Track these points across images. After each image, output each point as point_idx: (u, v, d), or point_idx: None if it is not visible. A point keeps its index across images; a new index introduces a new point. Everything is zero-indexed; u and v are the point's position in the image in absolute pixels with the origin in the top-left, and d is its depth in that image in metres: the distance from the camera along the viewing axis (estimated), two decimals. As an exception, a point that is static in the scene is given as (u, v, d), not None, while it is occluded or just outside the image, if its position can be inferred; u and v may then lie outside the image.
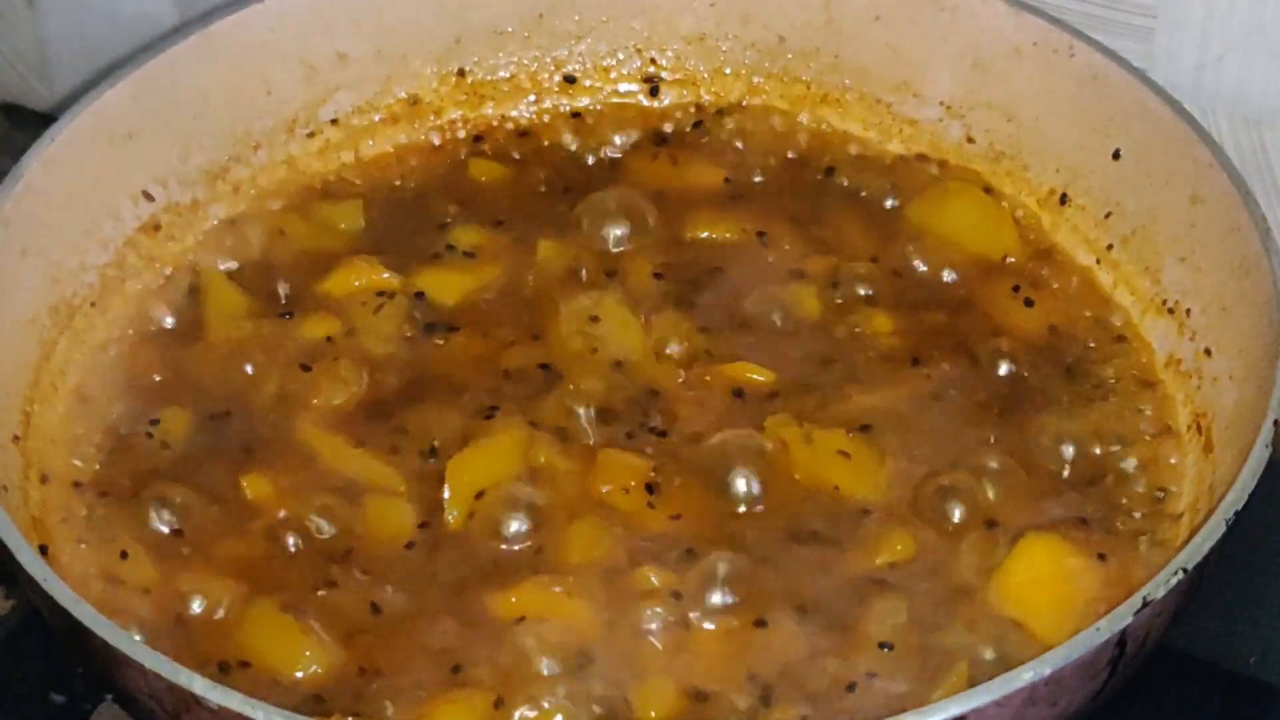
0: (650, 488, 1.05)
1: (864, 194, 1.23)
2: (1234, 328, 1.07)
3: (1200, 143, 1.10)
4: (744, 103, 1.28)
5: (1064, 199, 1.20)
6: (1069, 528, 1.03)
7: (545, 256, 1.18)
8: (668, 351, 1.12)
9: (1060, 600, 1.00)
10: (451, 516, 1.04)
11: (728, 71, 1.28)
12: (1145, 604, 0.89)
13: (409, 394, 1.11)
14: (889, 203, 1.22)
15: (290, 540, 1.04)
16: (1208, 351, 1.09)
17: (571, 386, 1.10)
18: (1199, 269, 1.11)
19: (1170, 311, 1.13)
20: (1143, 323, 1.14)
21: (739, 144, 1.26)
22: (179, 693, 0.87)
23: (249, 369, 1.12)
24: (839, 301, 1.16)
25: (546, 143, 1.27)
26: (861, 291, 1.16)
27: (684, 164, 1.25)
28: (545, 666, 0.97)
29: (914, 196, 1.22)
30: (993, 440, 1.08)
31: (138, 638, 0.90)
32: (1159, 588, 0.89)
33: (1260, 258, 1.04)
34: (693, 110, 1.28)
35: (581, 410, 1.09)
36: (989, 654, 0.97)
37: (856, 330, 1.14)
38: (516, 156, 1.26)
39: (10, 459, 1.04)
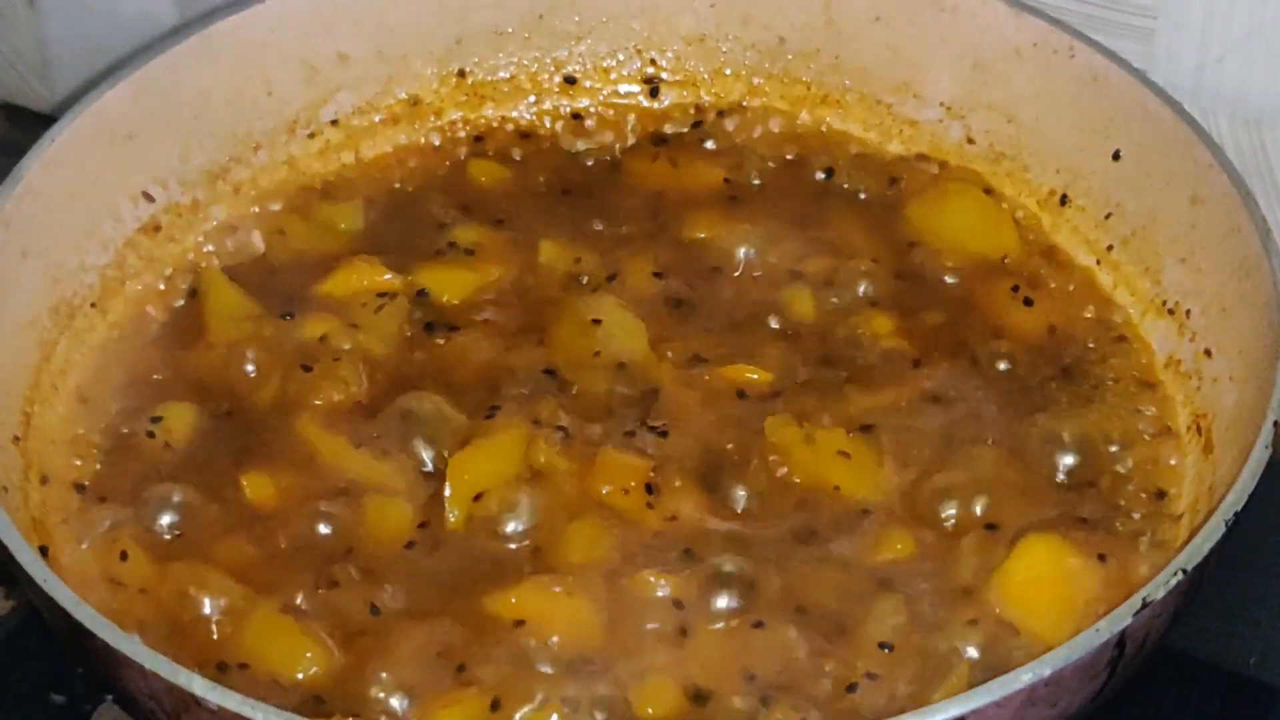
0: (650, 488, 1.05)
1: (864, 195, 1.23)
2: (1234, 329, 1.07)
3: (1200, 144, 1.10)
4: (744, 104, 1.28)
5: (1064, 200, 1.20)
6: (1069, 528, 1.03)
7: (547, 257, 1.18)
8: (668, 352, 1.12)
9: (1060, 601, 1.00)
10: (452, 516, 1.04)
11: (728, 72, 1.28)
12: (1145, 605, 0.89)
13: (410, 394, 1.11)
14: (889, 203, 1.22)
15: (290, 540, 1.04)
16: (1208, 352, 1.09)
17: (574, 387, 1.10)
18: (1199, 270, 1.11)
19: (1170, 312, 1.13)
20: (1143, 323, 1.14)
21: (739, 145, 1.26)
22: (178, 693, 0.87)
23: (249, 369, 1.12)
24: (839, 302, 1.16)
25: (547, 144, 1.27)
26: (861, 292, 1.16)
27: (684, 165, 1.25)
28: (545, 666, 0.97)
29: (914, 197, 1.22)
30: (992, 441, 1.08)
31: (137, 638, 0.90)
32: (1159, 588, 0.89)
33: (1260, 259, 1.04)
34: (693, 111, 1.28)
35: (584, 409, 1.09)
36: (989, 654, 0.97)
37: (856, 331, 1.14)
38: (516, 157, 1.26)
39: (10, 460, 1.04)
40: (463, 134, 1.27)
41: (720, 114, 1.27)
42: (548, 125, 1.28)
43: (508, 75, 1.28)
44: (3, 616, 1.15)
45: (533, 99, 1.28)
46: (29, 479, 1.05)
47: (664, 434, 1.08)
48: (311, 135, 1.25)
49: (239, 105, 1.21)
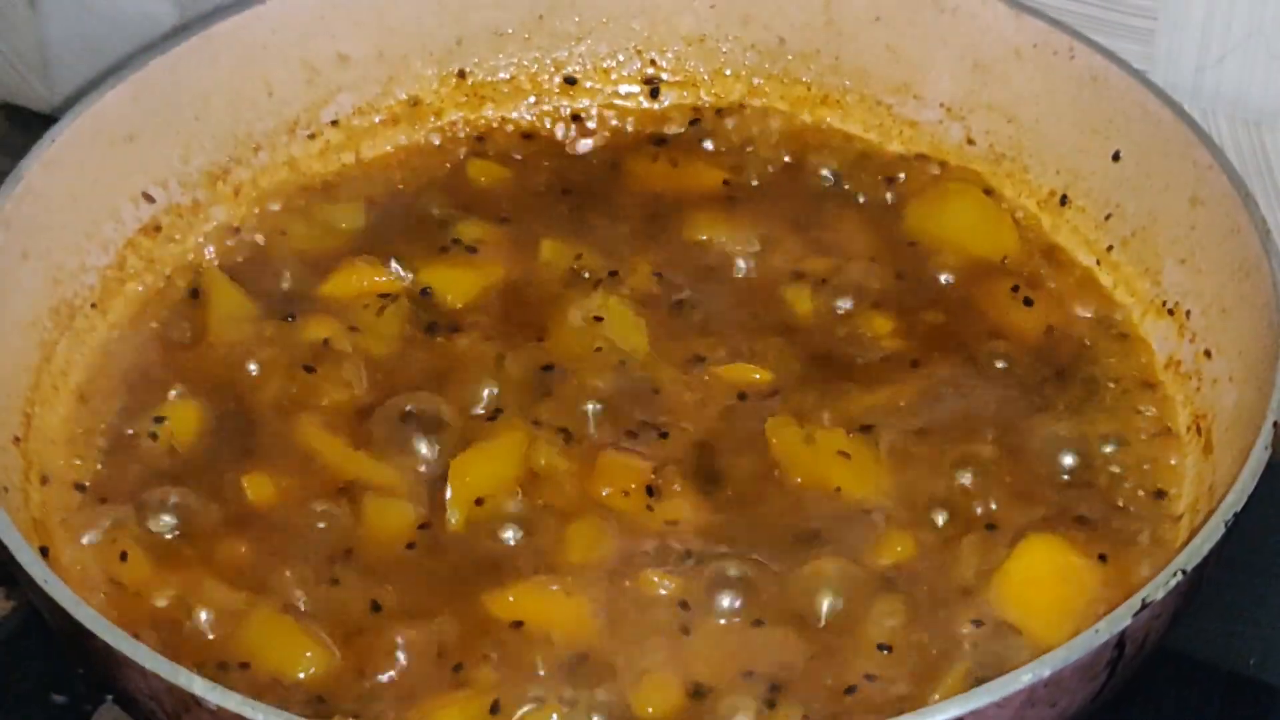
0: (650, 489, 1.05)
1: (864, 195, 1.23)
2: (1234, 329, 1.07)
3: (1200, 144, 1.10)
4: (744, 104, 1.28)
5: (1064, 200, 1.20)
6: (1069, 529, 1.03)
7: (548, 257, 1.18)
8: (669, 351, 1.12)
9: (1060, 601, 1.00)
10: (453, 518, 1.04)
11: (728, 73, 1.28)
12: (1144, 605, 0.89)
13: (411, 395, 1.11)
14: (889, 204, 1.22)
15: (291, 541, 1.04)
16: (1207, 353, 1.09)
17: (574, 388, 1.10)
18: (1199, 270, 1.11)
19: (1170, 313, 1.13)
20: (1143, 324, 1.14)
21: (739, 145, 1.26)
22: (179, 693, 0.87)
23: (250, 370, 1.12)
24: (839, 302, 1.16)
25: (547, 144, 1.27)
26: (861, 292, 1.16)
27: (684, 165, 1.25)
28: (544, 667, 0.97)
29: (914, 198, 1.22)
30: (992, 441, 1.08)
31: (138, 639, 0.90)
32: (1158, 589, 0.89)
33: (1260, 259, 1.04)
34: (692, 111, 1.28)
35: (584, 410, 1.09)
36: (988, 655, 0.97)
37: (857, 331, 1.14)
38: (516, 158, 1.26)
39: (11, 460, 1.04)
40: (463, 134, 1.27)
41: (720, 114, 1.27)
42: (548, 126, 1.28)
43: (508, 76, 1.28)
44: (3, 617, 1.15)
45: (533, 99, 1.28)
46: (29, 479, 1.05)
47: (665, 435, 1.08)
48: (312, 136, 1.25)
49: (239, 106, 1.21)
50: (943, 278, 1.17)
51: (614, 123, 1.28)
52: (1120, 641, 0.89)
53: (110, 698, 1.08)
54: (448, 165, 1.26)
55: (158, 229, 1.18)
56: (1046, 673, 0.87)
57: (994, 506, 1.05)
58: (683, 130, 1.27)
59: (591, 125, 1.28)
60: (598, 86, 1.29)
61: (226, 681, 0.94)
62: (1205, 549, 0.91)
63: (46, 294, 1.12)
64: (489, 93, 1.28)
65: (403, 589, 1.01)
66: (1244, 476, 0.94)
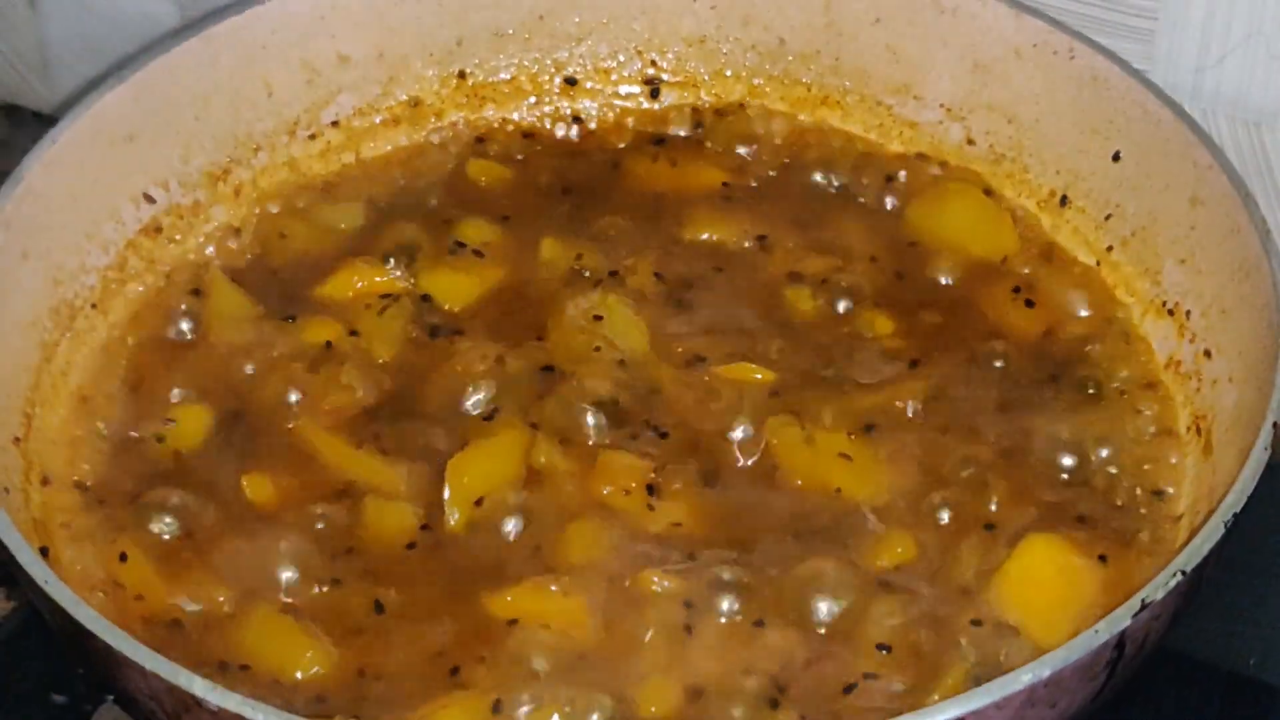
0: (651, 489, 1.05)
1: (864, 196, 1.23)
2: (1234, 330, 1.07)
3: (1200, 145, 1.10)
4: (744, 105, 1.28)
5: (1064, 201, 1.20)
6: (1069, 529, 1.03)
7: (548, 256, 1.18)
8: (669, 351, 1.13)
9: (1060, 602, 1.00)
10: (452, 518, 1.04)
11: (728, 74, 1.28)
12: (1144, 606, 0.89)
13: (411, 395, 1.11)
14: (889, 204, 1.22)
15: (291, 541, 1.04)
16: (1207, 353, 1.09)
17: (574, 387, 1.10)
18: (1199, 271, 1.11)
19: (1170, 313, 1.13)
20: (1143, 324, 1.15)
21: (739, 146, 1.26)
22: (179, 694, 0.87)
23: (251, 371, 1.12)
24: (839, 303, 1.16)
25: (547, 144, 1.27)
26: (862, 293, 1.16)
27: (684, 165, 1.25)
28: (545, 667, 0.97)
29: (914, 198, 1.22)
30: (993, 441, 1.08)
31: (138, 639, 0.90)
32: (1158, 590, 0.89)
33: (1260, 260, 1.04)
34: (693, 112, 1.28)
35: (584, 409, 1.09)
36: (988, 655, 0.97)
37: (857, 331, 1.14)
38: (517, 158, 1.26)
39: (11, 461, 1.04)
40: (463, 135, 1.27)
41: (720, 115, 1.27)
42: (548, 126, 1.28)
43: (508, 76, 1.28)
44: (3, 617, 1.15)
45: (533, 100, 1.28)
46: (30, 480, 1.05)
47: (665, 435, 1.08)
48: (312, 136, 1.25)
49: (240, 106, 1.21)
50: (943, 278, 1.17)
51: (614, 123, 1.28)
52: (1120, 642, 0.89)
53: (110, 698, 1.08)
54: (448, 166, 1.26)
55: (158, 229, 1.18)
56: (1046, 673, 0.87)
57: (994, 507, 1.05)
58: (683, 131, 1.27)
59: (592, 126, 1.28)
60: (598, 87, 1.29)
61: (227, 682, 0.94)
62: (1205, 549, 0.91)
63: (47, 294, 1.12)
64: (489, 93, 1.28)
65: (403, 589, 1.01)
66: (1244, 477, 0.94)
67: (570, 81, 1.28)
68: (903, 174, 1.23)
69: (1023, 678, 0.86)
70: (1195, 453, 1.07)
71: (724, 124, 1.27)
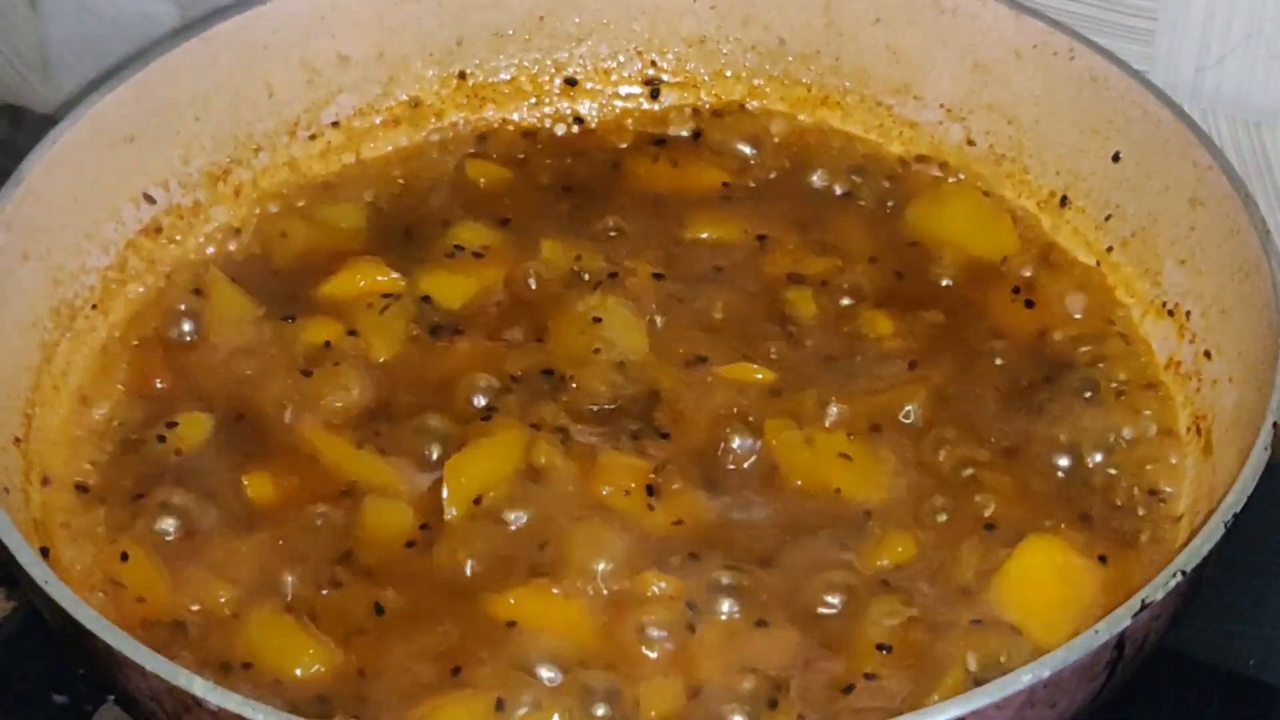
0: (651, 489, 1.05)
1: (864, 196, 1.23)
2: (1234, 330, 1.07)
3: (1200, 145, 1.10)
4: (744, 105, 1.28)
5: (1064, 201, 1.20)
6: (1069, 530, 1.03)
7: (548, 257, 1.18)
8: (669, 352, 1.13)
9: (1060, 602, 1.00)
10: (450, 517, 1.04)
11: (728, 74, 1.28)
12: (1144, 606, 0.89)
13: (411, 395, 1.11)
14: (889, 205, 1.22)
15: (292, 541, 1.04)
16: (1207, 354, 1.09)
17: (574, 387, 1.10)
18: (1199, 271, 1.11)
19: (1170, 314, 1.13)
20: (1143, 325, 1.15)
21: (739, 146, 1.26)
22: (179, 694, 0.87)
23: (251, 371, 1.12)
24: (839, 303, 1.16)
25: (547, 145, 1.27)
26: (862, 293, 1.16)
27: (684, 166, 1.25)
28: (545, 667, 0.97)
29: (914, 198, 1.22)
30: (993, 441, 1.08)
31: (138, 639, 0.90)
32: (1157, 590, 0.89)
33: (1260, 260, 1.04)
34: (693, 113, 1.28)
35: (584, 409, 1.09)
36: (988, 656, 0.97)
37: (857, 331, 1.14)
38: (517, 159, 1.26)
39: (11, 461, 1.04)
40: (464, 135, 1.27)
41: (721, 115, 1.27)
42: (548, 127, 1.28)
43: (508, 77, 1.28)
44: (4, 617, 1.15)
45: (533, 100, 1.28)
46: (30, 480, 1.05)
47: (665, 435, 1.08)
48: (313, 137, 1.25)
49: (240, 107, 1.21)
50: (943, 278, 1.17)
51: (615, 124, 1.28)
52: (1120, 642, 0.89)
53: (111, 698, 1.08)
54: (448, 166, 1.26)
55: (158, 230, 1.18)
56: (1046, 673, 0.87)
57: (994, 507, 1.05)
58: (683, 131, 1.27)
59: (592, 126, 1.28)
60: (598, 87, 1.29)
61: (228, 682, 0.94)
62: (1205, 549, 0.91)
63: (47, 295, 1.12)
64: (489, 94, 1.28)
65: (403, 589, 1.01)
66: (1244, 477, 0.94)
67: (570, 82, 1.28)
68: (903, 174, 1.23)
69: (1023, 678, 0.86)
70: (1195, 453, 1.07)
71: (724, 124, 1.27)
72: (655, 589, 1.00)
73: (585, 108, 1.29)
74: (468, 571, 1.02)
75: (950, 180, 1.23)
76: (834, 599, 1.00)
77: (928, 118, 1.24)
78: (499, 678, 0.97)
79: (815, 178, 1.24)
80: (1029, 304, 1.16)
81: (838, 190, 1.24)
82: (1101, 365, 1.12)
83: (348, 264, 1.18)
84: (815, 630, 0.99)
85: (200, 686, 0.86)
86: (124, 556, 1.03)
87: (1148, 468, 1.08)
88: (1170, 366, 1.12)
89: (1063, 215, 1.20)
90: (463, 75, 1.27)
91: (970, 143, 1.23)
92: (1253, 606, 1.13)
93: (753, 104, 1.28)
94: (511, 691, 0.96)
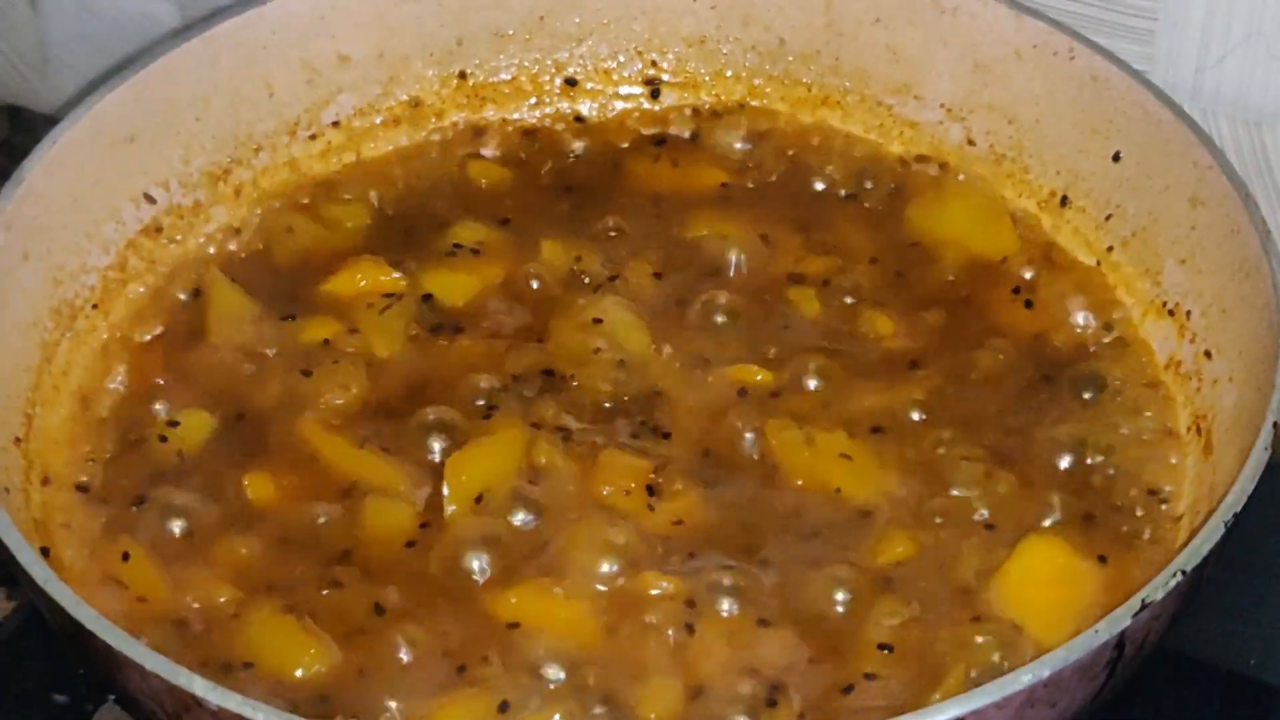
0: (651, 489, 1.05)
1: (864, 196, 1.23)
2: (1234, 330, 1.07)
3: (1200, 145, 1.10)
4: (745, 105, 1.28)
5: (1064, 201, 1.20)
6: (1069, 530, 1.03)
7: (548, 257, 1.18)
8: (670, 352, 1.13)
9: (1060, 602, 1.00)
10: (450, 515, 1.04)
11: (728, 74, 1.28)
12: (1144, 606, 0.89)
13: (412, 394, 1.11)
14: (889, 204, 1.22)
15: (292, 541, 1.04)
16: (1208, 353, 1.09)
17: (575, 387, 1.10)
18: (1199, 271, 1.11)
19: (1170, 313, 1.13)
20: (1143, 325, 1.15)
21: (740, 146, 1.26)
22: (179, 694, 0.87)
23: (251, 371, 1.12)
24: (839, 303, 1.16)
25: (548, 145, 1.27)
26: (862, 293, 1.16)
27: (685, 166, 1.25)
28: (544, 667, 0.97)
29: (915, 198, 1.22)
30: (993, 441, 1.08)
31: (139, 639, 0.90)
32: (1158, 590, 0.89)
33: (1260, 260, 1.04)
34: (693, 113, 1.28)
35: (585, 409, 1.09)
36: (988, 656, 0.97)
37: (858, 331, 1.14)
38: (518, 158, 1.26)
39: (12, 461, 1.04)
40: (464, 135, 1.27)
41: (721, 115, 1.27)
42: (549, 127, 1.28)
43: (509, 77, 1.28)
44: (4, 617, 1.15)
45: (534, 100, 1.28)
46: (30, 480, 1.05)
47: (666, 435, 1.08)
48: (313, 137, 1.25)
49: (240, 107, 1.21)
50: (943, 278, 1.17)
51: (615, 124, 1.28)
52: (1120, 642, 0.89)
53: (111, 698, 1.08)
54: (449, 166, 1.26)
55: (159, 230, 1.18)
56: (1046, 673, 0.87)
57: (994, 507, 1.05)
58: (683, 131, 1.27)
59: (593, 126, 1.28)
60: (599, 87, 1.29)
61: (229, 682, 0.94)
62: (1205, 549, 0.91)
63: (47, 295, 1.12)
64: (490, 94, 1.28)
65: (404, 588, 1.01)
66: (1244, 477, 0.94)
67: (571, 82, 1.28)
68: (903, 174, 1.23)
69: (1023, 678, 0.86)
70: (1195, 453, 1.07)
71: (724, 124, 1.27)
72: (655, 589, 1.00)
73: (585, 108, 1.29)
74: (468, 571, 1.02)
75: (950, 180, 1.23)
76: (834, 599, 1.00)
77: (928, 117, 1.24)
78: (500, 677, 0.97)
79: (815, 178, 1.24)
80: (1029, 304, 1.16)
81: (838, 190, 1.24)
82: (1102, 365, 1.12)
83: (348, 263, 1.18)
84: (815, 630, 0.99)
85: (200, 686, 0.87)
86: (125, 556, 1.03)
87: (1148, 468, 1.08)
88: (1170, 366, 1.12)
89: (1063, 215, 1.20)
90: (463, 75, 1.27)
91: (970, 143, 1.23)
92: (1253, 606, 1.13)
93: (753, 104, 1.28)
94: (512, 691, 0.96)
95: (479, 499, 1.04)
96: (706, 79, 1.28)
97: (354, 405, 1.10)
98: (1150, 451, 1.08)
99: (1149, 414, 1.10)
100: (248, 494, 1.06)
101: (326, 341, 1.13)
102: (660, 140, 1.27)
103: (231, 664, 0.98)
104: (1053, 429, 1.09)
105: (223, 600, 1.01)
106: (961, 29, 1.21)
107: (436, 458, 1.07)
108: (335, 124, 1.25)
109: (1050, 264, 1.18)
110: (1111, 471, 1.07)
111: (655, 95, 1.29)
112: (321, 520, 1.05)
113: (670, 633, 0.99)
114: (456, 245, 1.19)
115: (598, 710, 0.96)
